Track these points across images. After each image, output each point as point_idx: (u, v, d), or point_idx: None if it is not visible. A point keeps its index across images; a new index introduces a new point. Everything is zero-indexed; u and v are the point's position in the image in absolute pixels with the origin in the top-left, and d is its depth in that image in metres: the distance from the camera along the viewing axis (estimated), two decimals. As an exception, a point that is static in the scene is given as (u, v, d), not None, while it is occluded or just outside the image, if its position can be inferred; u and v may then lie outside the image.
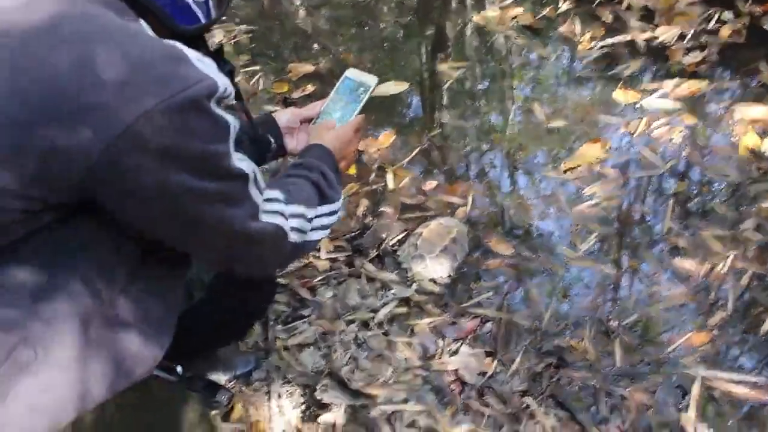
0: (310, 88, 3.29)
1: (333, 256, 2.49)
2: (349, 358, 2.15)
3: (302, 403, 2.01)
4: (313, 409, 1.99)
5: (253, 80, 3.37)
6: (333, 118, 1.52)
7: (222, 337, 1.84)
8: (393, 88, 3.18)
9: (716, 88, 2.97)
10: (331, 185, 1.36)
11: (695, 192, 2.66)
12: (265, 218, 1.16)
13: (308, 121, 1.57)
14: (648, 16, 3.36)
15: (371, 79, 1.51)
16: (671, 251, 2.44)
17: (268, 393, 2.02)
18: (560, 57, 3.32)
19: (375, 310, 2.29)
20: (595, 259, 2.44)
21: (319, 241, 1.34)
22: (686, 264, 2.38)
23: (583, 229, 2.54)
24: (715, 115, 2.91)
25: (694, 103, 2.94)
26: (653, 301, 2.28)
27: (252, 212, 1.13)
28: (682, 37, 3.22)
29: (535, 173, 2.81)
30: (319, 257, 2.46)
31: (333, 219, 1.37)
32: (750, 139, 2.71)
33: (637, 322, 2.22)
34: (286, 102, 3.22)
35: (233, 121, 1.05)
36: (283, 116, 1.58)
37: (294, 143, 1.57)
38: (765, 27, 3.14)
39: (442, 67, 3.30)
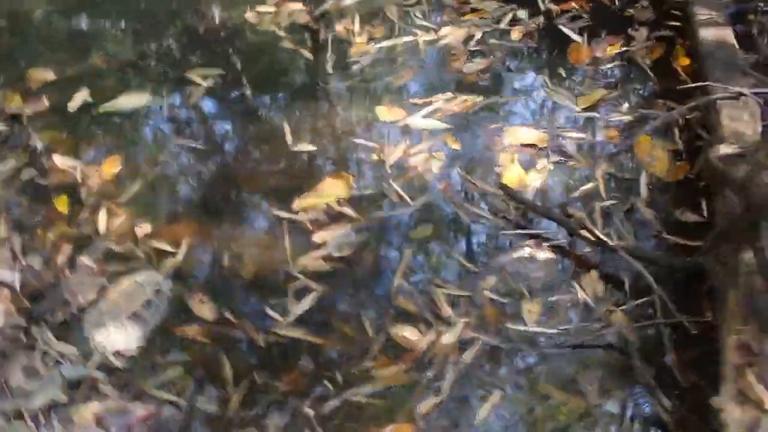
0: (45, 102, 2.78)
1: (13, 321, 2.10)
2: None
3: None
4: None
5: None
6: None
7: None
8: (132, 100, 2.73)
9: (490, 105, 2.56)
10: None
11: (440, 239, 2.27)
12: None
13: None
14: (438, 10, 2.92)
15: None
16: (396, 316, 2.07)
17: None
18: (327, 62, 2.85)
19: (31, 396, 1.92)
20: (306, 326, 2.06)
21: None
22: (409, 333, 2.02)
23: (302, 287, 2.15)
24: (482, 139, 2.51)
25: (461, 124, 2.53)
26: (362, 381, 1.92)
27: None
28: (469, 38, 2.79)
29: (265, 212, 2.39)
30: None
31: None
32: (513, 173, 2.32)
33: (338, 409, 1.87)
34: (15, 120, 2.73)
35: None
36: None
37: None
38: (561, 27, 2.72)
39: (192, 74, 2.83)
